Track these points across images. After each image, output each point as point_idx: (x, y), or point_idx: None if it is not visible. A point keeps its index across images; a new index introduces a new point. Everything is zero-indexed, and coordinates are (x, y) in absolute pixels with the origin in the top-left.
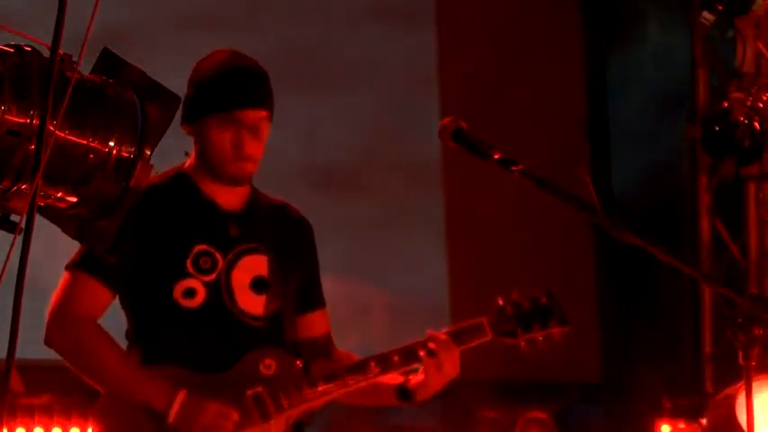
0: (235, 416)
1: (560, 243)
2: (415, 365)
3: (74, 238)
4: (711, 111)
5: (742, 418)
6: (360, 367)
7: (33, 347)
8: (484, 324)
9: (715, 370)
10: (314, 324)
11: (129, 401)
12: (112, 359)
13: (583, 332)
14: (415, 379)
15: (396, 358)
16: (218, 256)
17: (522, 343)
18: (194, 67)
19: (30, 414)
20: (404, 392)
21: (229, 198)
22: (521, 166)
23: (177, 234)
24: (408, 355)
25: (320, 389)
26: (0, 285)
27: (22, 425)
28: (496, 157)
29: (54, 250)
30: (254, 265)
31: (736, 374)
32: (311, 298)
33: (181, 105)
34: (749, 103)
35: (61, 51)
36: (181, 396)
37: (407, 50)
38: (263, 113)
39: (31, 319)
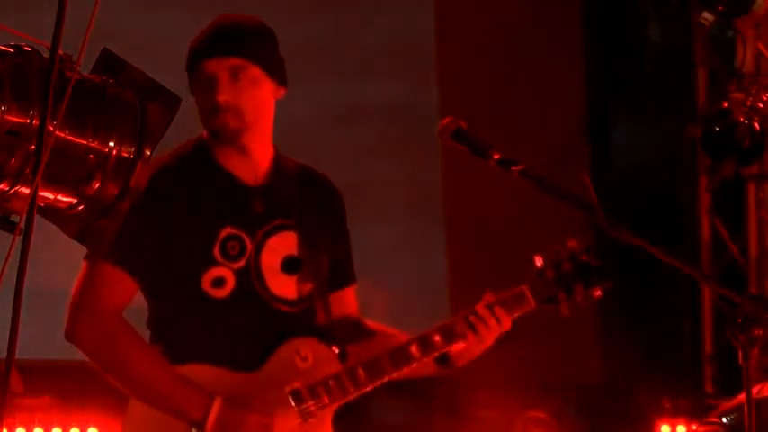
0: (275, 423)
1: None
2: (459, 344)
3: (73, 239)
4: (711, 111)
5: None
6: (401, 353)
7: (33, 347)
8: (525, 292)
9: (715, 370)
10: (346, 301)
11: (160, 408)
12: (143, 361)
13: (583, 332)
14: (456, 346)
15: (437, 338)
16: (247, 239)
17: (564, 307)
18: None
19: (30, 414)
20: (443, 358)
21: (250, 169)
22: (521, 166)
23: (202, 218)
24: (450, 334)
25: (361, 380)
26: (0, 285)
27: (22, 425)
28: (496, 157)
29: (54, 250)
30: (284, 244)
31: (735, 375)
32: (345, 273)
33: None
34: (749, 104)
35: (61, 51)
36: (217, 405)
37: (407, 50)
38: (235, 61)
39: (32, 320)
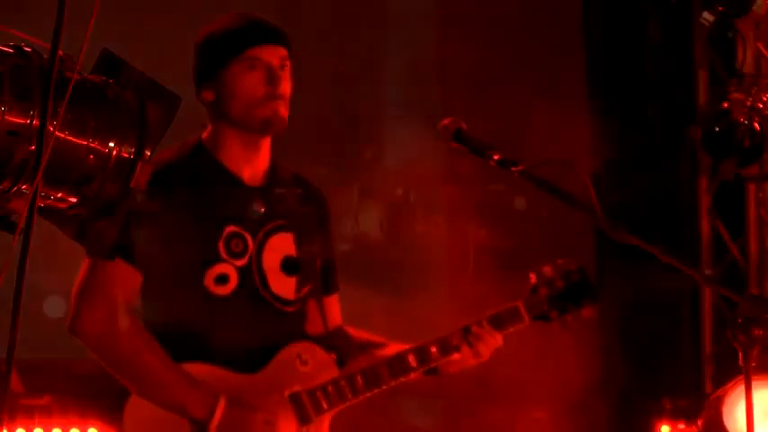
0: (280, 420)
1: (560, 243)
2: (455, 356)
3: (73, 239)
4: (711, 111)
5: (728, 421)
6: (399, 363)
7: (33, 347)
8: (519, 308)
9: (715, 370)
10: (332, 308)
11: (164, 405)
12: (149, 357)
13: (583, 332)
14: (451, 358)
15: (434, 350)
16: (249, 238)
17: (556, 325)
18: (200, 35)
19: (29, 415)
20: (431, 368)
21: (251, 170)
22: (521, 167)
23: (207, 214)
24: (446, 347)
25: (359, 387)
26: (0, 285)
27: (22, 425)
28: (496, 157)
29: (54, 250)
30: (283, 244)
31: (735, 375)
32: (331, 280)
33: (194, 77)
34: (749, 104)
35: (61, 52)
36: (222, 405)
37: (407, 49)
38: (283, 51)
39: (32, 319)
